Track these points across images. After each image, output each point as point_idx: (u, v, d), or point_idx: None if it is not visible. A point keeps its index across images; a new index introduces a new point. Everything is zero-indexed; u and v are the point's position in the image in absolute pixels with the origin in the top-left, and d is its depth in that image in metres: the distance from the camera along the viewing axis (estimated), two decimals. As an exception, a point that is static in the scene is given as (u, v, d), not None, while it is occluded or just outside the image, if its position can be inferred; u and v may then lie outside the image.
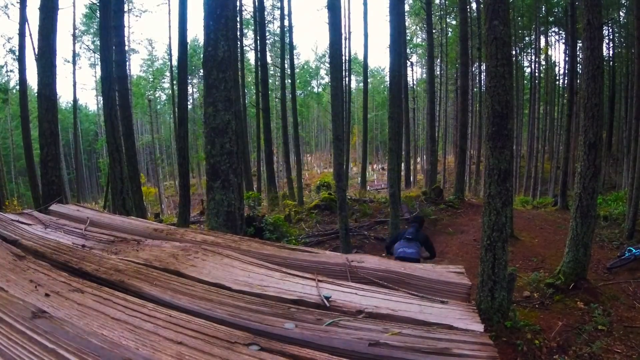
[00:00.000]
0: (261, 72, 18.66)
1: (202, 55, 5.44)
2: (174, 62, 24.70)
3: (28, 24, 13.63)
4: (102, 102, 14.05)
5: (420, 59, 36.76)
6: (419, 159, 38.00)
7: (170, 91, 31.13)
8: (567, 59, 23.39)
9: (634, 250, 7.82)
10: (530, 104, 29.41)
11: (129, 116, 11.06)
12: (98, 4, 10.86)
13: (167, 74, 33.21)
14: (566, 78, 24.21)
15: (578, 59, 20.14)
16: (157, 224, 2.32)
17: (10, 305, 0.94)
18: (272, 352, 0.80)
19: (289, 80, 20.55)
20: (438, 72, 30.52)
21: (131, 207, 8.95)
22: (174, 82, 24.92)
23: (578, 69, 20.23)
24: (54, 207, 2.49)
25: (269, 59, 22.24)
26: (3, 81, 27.27)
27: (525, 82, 30.50)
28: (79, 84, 45.76)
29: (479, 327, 1.01)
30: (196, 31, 56.12)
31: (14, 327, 0.85)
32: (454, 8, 25.85)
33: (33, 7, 12.78)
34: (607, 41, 22.84)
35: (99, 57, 15.57)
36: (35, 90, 8.98)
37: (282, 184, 24.29)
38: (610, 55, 23.73)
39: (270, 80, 26.02)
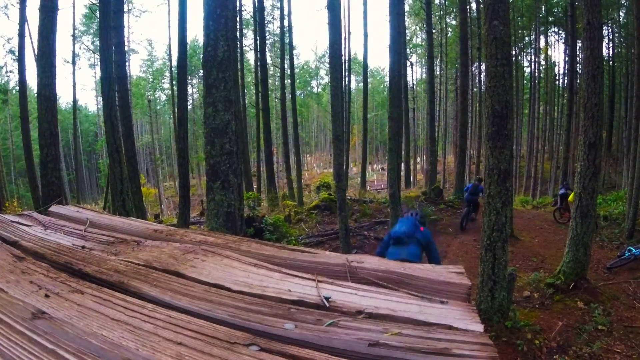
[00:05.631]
0: (261, 72, 18.66)
1: (201, 56, 5.45)
2: (174, 63, 24.75)
3: (28, 24, 13.67)
4: (101, 102, 14.06)
5: (420, 59, 36.78)
6: (419, 159, 38.01)
7: (170, 91, 31.14)
8: (566, 59, 23.43)
9: (634, 250, 7.81)
10: (530, 104, 29.43)
11: (129, 116, 11.06)
12: (98, 4, 10.87)
13: (167, 74, 33.24)
14: (566, 78, 24.24)
15: (578, 59, 20.15)
16: (157, 224, 2.32)
17: (10, 306, 0.94)
18: (272, 352, 0.80)
19: (289, 81, 20.56)
20: (438, 72, 30.55)
21: (131, 208, 8.95)
22: (174, 82, 24.94)
23: (578, 69, 20.26)
24: (54, 208, 2.49)
25: (268, 59, 22.25)
26: (3, 82, 27.27)
27: (525, 82, 30.53)
28: (78, 85, 45.86)
29: (479, 327, 1.01)
30: (196, 31, 56.13)
31: (13, 327, 0.85)
32: (454, 8, 25.88)
33: (33, 7, 12.79)
34: (607, 41, 22.86)
35: (98, 57, 15.57)
36: (35, 91, 8.98)
37: (282, 184, 24.29)
38: (610, 55, 23.75)
39: (270, 81, 26.02)
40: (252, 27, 22.11)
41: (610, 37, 23.79)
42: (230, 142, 4.95)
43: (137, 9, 51.01)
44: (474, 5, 23.39)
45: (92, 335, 0.83)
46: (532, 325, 5.51)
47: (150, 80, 41.91)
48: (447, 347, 0.87)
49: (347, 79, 23.06)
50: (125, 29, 24.67)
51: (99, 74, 25.10)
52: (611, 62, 23.68)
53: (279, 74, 23.63)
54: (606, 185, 21.12)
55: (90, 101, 77.78)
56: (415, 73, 44.35)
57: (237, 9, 17.04)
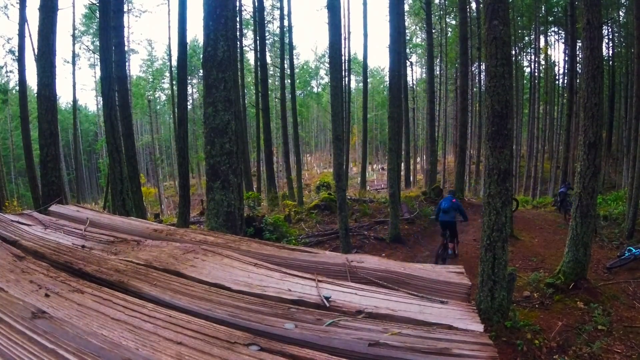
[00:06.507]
0: (261, 72, 18.66)
1: (201, 56, 5.45)
2: (174, 63, 24.74)
3: (28, 24, 13.66)
4: (101, 102, 14.06)
5: (420, 59, 36.80)
6: (418, 159, 38.02)
7: (169, 91, 31.14)
8: (566, 58, 23.43)
9: (633, 250, 7.82)
10: (530, 104, 29.42)
11: (129, 116, 11.06)
12: (97, 4, 10.87)
13: (167, 74, 33.22)
14: (566, 78, 24.24)
15: (578, 58, 20.14)
16: (157, 224, 2.32)
17: (10, 306, 0.94)
18: (272, 352, 0.80)
19: (289, 80, 20.56)
20: (438, 72, 30.55)
21: (131, 208, 8.94)
22: (174, 82, 24.93)
23: (578, 69, 20.25)
24: (54, 207, 2.49)
25: (268, 59, 22.24)
26: (3, 82, 27.26)
27: (525, 81, 30.51)
28: (78, 85, 45.87)
29: (479, 327, 1.01)
30: (196, 31, 56.16)
31: (13, 327, 0.85)
32: (454, 8, 25.87)
33: (33, 7, 12.77)
34: (606, 41, 22.85)
35: (98, 57, 15.56)
36: (35, 91, 8.97)
37: (282, 184, 24.29)
38: (610, 54, 23.75)
39: (269, 81, 26.01)
40: (252, 27, 22.10)
41: (610, 37, 23.78)
42: (230, 142, 4.95)
43: (137, 9, 51.05)
44: (473, 5, 23.40)
45: (92, 334, 0.83)
46: (532, 325, 5.51)
47: (150, 80, 41.90)
48: (447, 347, 0.87)
49: (347, 79, 23.06)
50: (125, 29, 24.65)
51: (99, 74, 25.09)
52: (611, 62, 23.67)
53: (279, 74, 23.61)
54: (606, 185, 21.12)
55: (90, 101, 77.93)
56: (415, 73, 44.30)
57: (237, 9, 17.04)
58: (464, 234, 11.13)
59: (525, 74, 30.47)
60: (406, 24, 23.46)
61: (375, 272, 1.41)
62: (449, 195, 8.90)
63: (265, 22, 22.33)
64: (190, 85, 38.28)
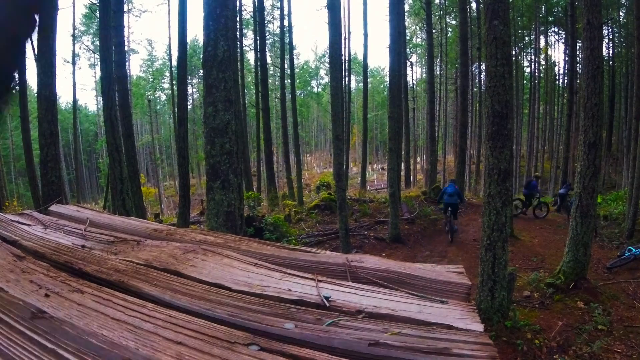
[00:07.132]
0: (261, 72, 18.65)
1: (201, 55, 5.45)
2: (174, 62, 24.73)
3: (28, 24, 13.63)
4: (101, 102, 14.05)
5: (420, 59, 36.76)
6: (419, 159, 38.00)
7: (170, 91, 31.13)
8: (567, 58, 23.40)
9: (633, 250, 7.82)
10: (530, 104, 29.41)
11: (129, 116, 11.06)
12: (98, 4, 10.87)
13: (167, 74, 33.21)
14: (566, 78, 24.22)
15: (578, 58, 20.12)
16: (157, 224, 2.32)
17: (10, 306, 0.94)
18: (272, 352, 0.80)
19: (289, 80, 20.54)
20: (438, 72, 30.51)
21: (131, 208, 8.95)
22: (174, 82, 24.92)
23: (578, 69, 20.23)
24: (54, 207, 2.49)
25: (268, 59, 22.20)
26: (3, 81, 27.14)
27: (525, 82, 30.49)
28: (78, 85, 45.82)
29: (479, 327, 1.01)
30: (196, 31, 56.18)
31: (13, 327, 0.85)
32: (454, 8, 25.85)
33: (33, 7, 12.68)
34: (606, 41, 22.83)
35: (98, 57, 15.57)
36: (35, 91, 8.98)
37: (282, 184, 24.28)
38: (610, 55, 23.73)
39: (269, 80, 25.98)
40: (252, 27, 22.07)
41: (610, 37, 23.76)
42: (230, 141, 4.95)
43: (137, 9, 51.01)
44: (474, 5, 23.36)
45: (92, 334, 0.83)
46: (532, 325, 5.52)
47: (150, 80, 41.89)
48: (447, 346, 0.87)
49: (347, 79, 23.03)
50: (125, 29, 24.62)
51: (99, 74, 25.07)
52: (611, 62, 23.66)
53: (279, 74, 23.59)
54: (606, 185, 21.11)
55: (90, 101, 77.78)
56: (415, 73, 44.25)
57: (237, 8, 17.03)
58: (464, 233, 11.14)
59: (525, 74, 30.45)
60: (406, 24, 23.43)
61: (375, 272, 1.41)
62: (451, 183, 10.85)
63: (265, 22, 22.32)
64: (190, 85, 38.27)
